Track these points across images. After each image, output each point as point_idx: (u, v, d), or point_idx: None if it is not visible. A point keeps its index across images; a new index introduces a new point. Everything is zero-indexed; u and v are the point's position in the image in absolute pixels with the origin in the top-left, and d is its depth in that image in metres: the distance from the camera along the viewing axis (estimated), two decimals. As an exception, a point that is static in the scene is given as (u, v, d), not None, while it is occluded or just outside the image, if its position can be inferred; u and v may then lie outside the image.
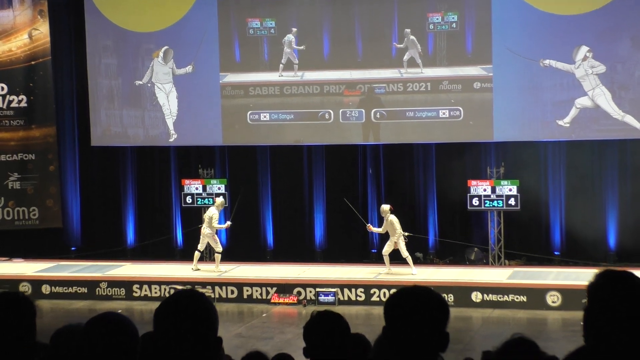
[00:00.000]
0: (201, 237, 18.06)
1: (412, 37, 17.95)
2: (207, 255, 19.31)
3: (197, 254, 18.07)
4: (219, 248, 17.91)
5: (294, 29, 18.38)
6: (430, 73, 18.03)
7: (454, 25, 17.87)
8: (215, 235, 17.93)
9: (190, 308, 2.75)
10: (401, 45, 17.99)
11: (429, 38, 18.02)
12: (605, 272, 2.72)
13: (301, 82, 18.31)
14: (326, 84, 18.19)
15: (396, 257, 17.29)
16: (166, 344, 2.72)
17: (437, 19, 17.87)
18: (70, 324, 3.53)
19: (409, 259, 17.10)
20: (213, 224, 17.73)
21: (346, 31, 17.96)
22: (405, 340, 2.72)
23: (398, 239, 16.92)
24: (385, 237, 17.48)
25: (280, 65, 18.60)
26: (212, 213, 17.77)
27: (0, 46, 19.90)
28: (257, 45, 18.41)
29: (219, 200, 18.05)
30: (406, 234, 17.05)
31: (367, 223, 17.93)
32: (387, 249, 17.14)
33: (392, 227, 16.94)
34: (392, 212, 17.06)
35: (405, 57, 18.08)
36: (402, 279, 16.70)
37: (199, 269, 18.01)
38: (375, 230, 17.54)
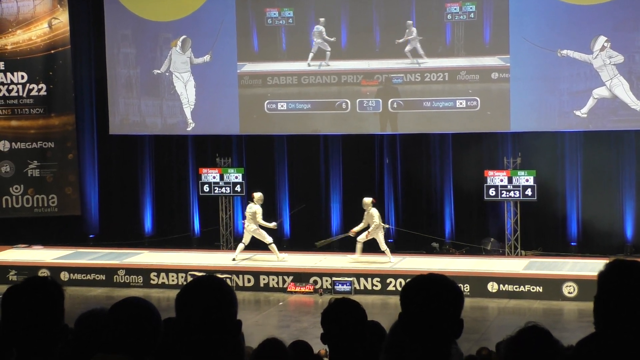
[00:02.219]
0: (245, 232, 18.05)
1: (413, 28, 17.92)
2: (225, 244, 19.42)
3: (240, 246, 18.00)
4: (268, 240, 17.81)
5: (322, 19, 18.39)
6: (448, 63, 18.04)
7: (472, 15, 17.85)
8: (260, 229, 17.80)
9: (210, 292, 2.83)
10: (400, 41, 17.95)
11: (446, 28, 18.02)
12: (615, 261, 2.78)
13: (319, 72, 18.33)
14: (344, 74, 18.19)
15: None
16: (187, 327, 2.79)
17: (455, 9, 17.85)
18: (95, 308, 3.61)
19: (388, 252, 17.35)
20: (258, 219, 17.67)
21: (364, 21, 17.95)
22: (421, 326, 2.78)
23: (377, 231, 17.03)
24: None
25: (310, 54, 18.56)
26: (255, 209, 17.72)
27: (20, 35, 20.04)
28: (275, 35, 18.39)
29: (258, 195, 17.89)
30: (386, 225, 17.22)
31: (348, 233, 17.90)
32: (362, 237, 17.25)
33: (371, 219, 17.05)
34: (373, 205, 17.15)
35: (408, 49, 18.07)
36: (418, 268, 16.74)
37: (234, 259, 17.93)
38: (356, 229, 17.52)
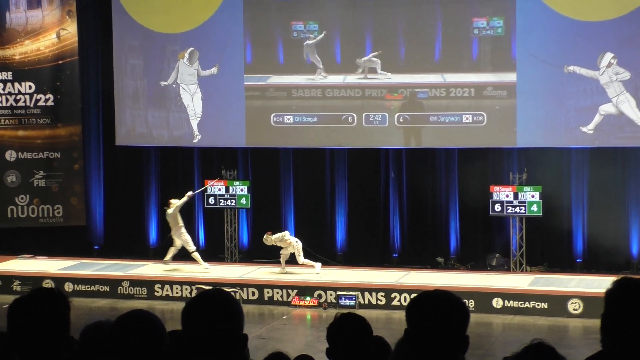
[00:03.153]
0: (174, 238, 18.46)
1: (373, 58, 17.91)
2: (230, 256, 19.44)
3: (173, 250, 18.55)
4: (192, 248, 18.44)
5: (311, 35, 18.43)
6: (474, 78, 17.90)
7: (499, 30, 17.78)
8: (186, 235, 18.32)
9: (217, 306, 2.82)
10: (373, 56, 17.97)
11: (473, 43, 17.95)
12: (623, 279, 2.78)
13: (342, 85, 18.19)
14: (367, 87, 18.09)
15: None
16: (194, 341, 2.79)
17: (482, 24, 17.80)
18: (100, 320, 3.61)
19: (308, 262, 17.79)
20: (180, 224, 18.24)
21: (389, 34, 17.84)
22: (427, 342, 2.78)
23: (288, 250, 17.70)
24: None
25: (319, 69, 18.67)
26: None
27: (28, 45, 20.11)
28: (300, 48, 18.31)
29: (174, 201, 18.40)
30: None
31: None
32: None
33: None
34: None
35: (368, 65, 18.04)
36: (423, 283, 16.71)
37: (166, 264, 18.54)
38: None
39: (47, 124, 20.25)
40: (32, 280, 17.92)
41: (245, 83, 18.92)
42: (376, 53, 17.83)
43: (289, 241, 17.73)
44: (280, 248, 17.92)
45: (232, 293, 3.40)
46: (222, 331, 2.79)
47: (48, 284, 17.75)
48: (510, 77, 17.85)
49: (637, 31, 17.39)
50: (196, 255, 18.31)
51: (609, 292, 2.76)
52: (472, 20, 17.82)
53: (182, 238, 18.29)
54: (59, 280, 17.86)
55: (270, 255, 18.70)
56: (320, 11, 17.86)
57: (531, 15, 17.75)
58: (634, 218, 18.09)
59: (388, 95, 17.96)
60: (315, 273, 17.68)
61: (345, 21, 17.92)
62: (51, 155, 20.32)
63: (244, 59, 19.19)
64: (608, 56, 17.50)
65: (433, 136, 18.65)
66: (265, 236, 17.84)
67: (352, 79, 17.84)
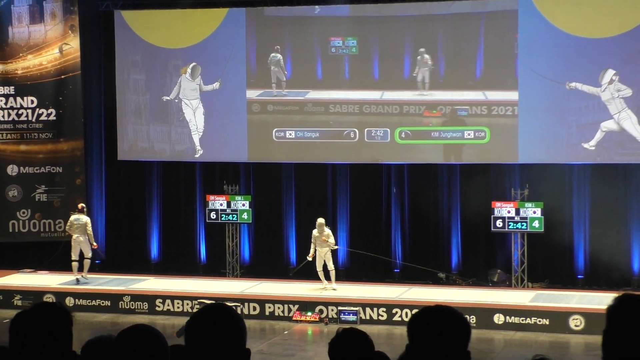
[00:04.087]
0: (75, 244, 18.48)
1: (426, 56, 17.93)
2: (232, 271, 19.43)
3: (75, 265, 18.57)
4: (89, 254, 18.60)
5: (277, 47, 18.57)
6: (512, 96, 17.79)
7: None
8: (87, 242, 18.46)
9: (220, 320, 2.83)
10: (415, 74, 17.98)
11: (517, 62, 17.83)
12: (624, 295, 2.78)
13: (380, 102, 18.12)
14: (406, 104, 17.98)
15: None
16: (198, 355, 2.79)
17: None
18: (102, 335, 3.61)
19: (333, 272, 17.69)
20: (89, 230, 18.42)
21: (428, 49, 17.72)
22: (428, 358, 2.78)
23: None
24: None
25: (273, 84, 18.83)
26: (85, 219, 18.49)
27: (31, 60, 20.16)
28: (338, 63, 18.14)
29: (82, 205, 18.70)
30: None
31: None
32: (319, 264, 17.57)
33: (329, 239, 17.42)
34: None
35: (419, 78, 18.09)
36: (424, 298, 16.68)
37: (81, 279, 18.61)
38: (312, 254, 17.74)
39: (49, 139, 20.28)
40: (33, 295, 17.91)
41: (302, 97, 18.64)
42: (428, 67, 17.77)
43: (331, 241, 17.50)
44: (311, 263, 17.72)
45: (235, 307, 3.39)
46: (225, 345, 2.80)
47: (49, 298, 17.74)
48: (513, 95, 17.89)
49: (638, 48, 17.43)
50: (88, 262, 18.61)
51: (610, 309, 2.77)
52: (516, 37, 17.73)
53: (87, 249, 18.50)
54: (60, 294, 17.84)
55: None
56: (359, 27, 17.76)
57: (533, 32, 17.80)
58: (636, 234, 18.07)
59: (427, 112, 17.82)
60: (322, 288, 17.57)
61: (384, 37, 17.78)
62: (53, 169, 20.33)
63: (247, 74, 19.26)
64: (610, 73, 17.53)
65: (435, 152, 18.67)
66: (320, 220, 17.54)
67: (389, 95, 17.65)
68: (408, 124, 18.27)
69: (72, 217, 18.55)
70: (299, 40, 18.20)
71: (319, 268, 17.65)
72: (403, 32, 17.90)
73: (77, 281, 18.54)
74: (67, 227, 18.67)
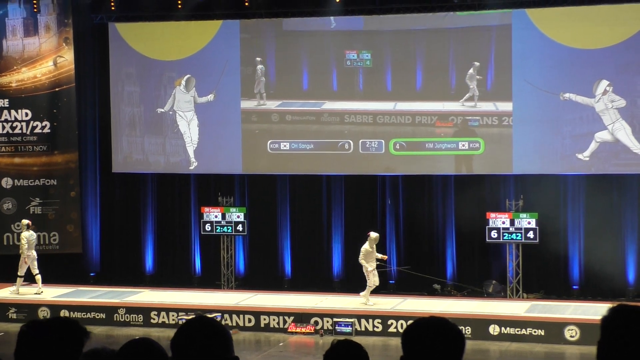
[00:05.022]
0: (24, 261, 18.39)
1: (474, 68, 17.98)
2: (227, 283, 19.38)
3: (32, 279, 18.56)
4: (37, 270, 18.36)
5: (259, 59, 18.72)
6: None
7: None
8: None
9: (205, 332, 2.84)
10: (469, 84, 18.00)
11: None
12: (619, 306, 2.77)
13: (393, 112, 18.19)
14: (418, 114, 18.07)
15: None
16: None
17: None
18: (96, 347, 3.60)
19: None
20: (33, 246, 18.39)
21: (439, 61, 17.86)
22: (423, 369, 2.78)
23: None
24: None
25: (258, 94, 18.95)
26: (35, 236, 18.42)
27: (25, 73, 20.16)
28: (353, 76, 18.26)
29: (26, 221, 18.56)
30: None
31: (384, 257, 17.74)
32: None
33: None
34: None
35: (471, 91, 18.04)
36: (419, 309, 16.67)
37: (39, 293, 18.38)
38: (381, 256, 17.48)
39: (43, 151, 20.26)
40: (28, 308, 17.87)
41: (318, 108, 18.61)
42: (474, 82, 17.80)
43: (375, 255, 17.17)
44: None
45: (215, 318, 3.39)
46: (213, 357, 2.80)
47: (44, 311, 17.70)
48: (507, 106, 17.99)
49: (632, 59, 17.49)
50: (39, 277, 18.55)
51: (605, 319, 2.76)
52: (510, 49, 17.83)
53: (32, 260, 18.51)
54: (55, 307, 17.80)
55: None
56: (373, 41, 17.91)
57: (527, 42, 17.86)
58: (630, 245, 18.09)
59: (439, 122, 17.93)
60: (363, 303, 17.24)
61: (396, 50, 17.90)
62: (47, 182, 20.31)
63: (241, 86, 19.29)
64: (604, 84, 17.58)
65: (429, 163, 18.69)
66: (376, 235, 17.19)
67: (403, 106, 17.80)
68: (420, 133, 18.19)
69: (27, 234, 18.55)
70: (315, 54, 18.31)
71: (369, 283, 17.18)
72: (414, 46, 18.02)
73: (38, 294, 18.54)
74: (24, 245, 18.48)
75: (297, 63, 18.64)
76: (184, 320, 3.27)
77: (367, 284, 17.16)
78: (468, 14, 18.10)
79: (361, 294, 17.34)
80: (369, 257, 17.07)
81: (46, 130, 20.21)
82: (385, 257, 17.49)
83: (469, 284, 18.81)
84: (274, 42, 18.93)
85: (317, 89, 18.50)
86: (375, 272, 17.14)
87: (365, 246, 17.13)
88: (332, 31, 18.16)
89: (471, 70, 17.92)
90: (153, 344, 3.04)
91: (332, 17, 18.17)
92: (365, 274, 17.15)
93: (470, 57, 18.00)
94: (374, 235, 17.17)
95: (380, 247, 19.33)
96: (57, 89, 20.17)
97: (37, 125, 20.16)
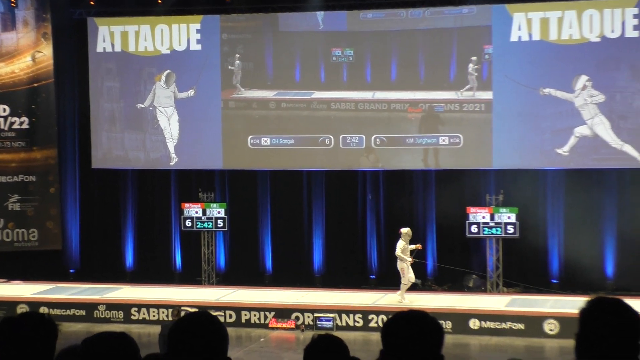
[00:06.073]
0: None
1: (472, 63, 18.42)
2: (207, 279, 19.37)
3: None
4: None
5: (238, 55, 19.16)
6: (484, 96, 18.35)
7: (486, 56, 18.19)
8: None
9: (204, 328, 2.83)
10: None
11: (484, 66, 18.21)
12: (596, 298, 2.79)
13: (372, 100, 18.97)
14: (392, 102, 18.85)
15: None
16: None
17: (492, 50, 18.12)
18: (74, 344, 3.58)
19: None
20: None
21: (411, 58, 18.75)
22: (402, 363, 2.78)
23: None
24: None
25: (236, 84, 19.27)
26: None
27: (3, 68, 20.02)
28: (338, 69, 19.09)
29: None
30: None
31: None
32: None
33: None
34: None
35: (470, 83, 18.45)
36: (400, 304, 16.70)
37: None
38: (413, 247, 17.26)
39: (22, 147, 20.13)
40: (7, 305, 17.75)
41: (308, 97, 19.28)
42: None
43: (409, 248, 16.93)
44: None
45: (219, 317, 3.37)
46: (207, 353, 2.80)
47: (23, 308, 17.60)
48: (488, 95, 18.18)
49: (611, 54, 17.59)
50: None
51: (583, 312, 2.77)
52: (484, 47, 18.25)
53: None
54: (34, 304, 17.69)
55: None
56: (354, 39, 18.89)
57: (506, 38, 17.94)
58: (609, 239, 18.21)
59: (410, 109, 18.66)
60: (398, 302, 16.90)
61: (375, 48, 18.90)
62: (26, 178, 20.18)
63: (221, 81, 19.27)
64: (583, 79, 17.68)
65: (410, 158, 18.76)
66: (409, 230, 16.97)
67: (380, 95, 18.95)
68: (395, 119, 18.79)
69: None
70: (306, 51, 19.16)
71: (404, 280, 16.89)
72: (390, 44, 18.92)
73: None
74: None
75: (291, 59, 19.24)
76: (186, 312, 3.26)
77: (402, 281, 16.89)
78: (449, 9, 18.42)
79: (397, 292, 17.07)
80: (404, 253, 16.91)
81: (25, 126, 20.08)
82: (420, 246, 17.25)
83: (449, 279, 18.87)
84: (272, 41, 19.33)
85: (307, 80, 19.21)
86: (411, 269, 16.97)
87: (401, 242, 16.91)
88: (321, 32, 19.01)
89: (470, 65, 18.32)
90: (118, 336, 3.02)
91: (320, 19, 19.05)
92: (400, 271, 16.93)
93: (437, 55, 18.55)
94: (405, 230, 17.07)
95: (361, 241, 19.38)
96: (35, 85, 20.05)
97: (15, 121, 20.03)
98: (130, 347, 2.99)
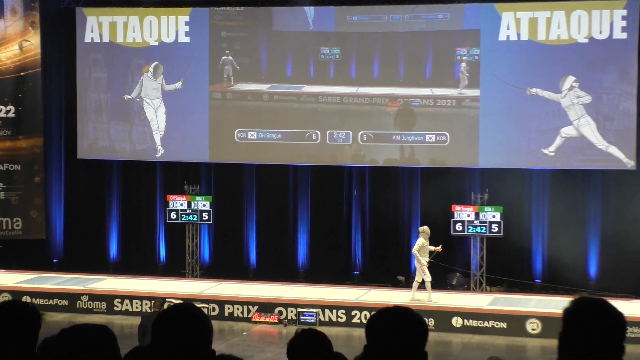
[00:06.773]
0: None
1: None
2: (191, 272, 19.34)
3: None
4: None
5: (228, 51, 19.39)
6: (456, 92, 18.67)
7: (476, 57, 18.23)
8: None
9: (188, 320, 2.83)
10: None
11: (456, 67, 18.46)
12: (580, 298, 2.80)
13: (356, 94, 19.39)
14: (374, 97, 19.27)
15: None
16: (163, 354, 2.78)
17: (464, 52, 18.36)
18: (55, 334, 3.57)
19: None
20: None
21: (391, 57, 19.16)
22: (386, 358, 2.79)
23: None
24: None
25: (224, 78, 19.42)
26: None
27: (-10, 56, 19.91)
28: (326, 66, 19.46)
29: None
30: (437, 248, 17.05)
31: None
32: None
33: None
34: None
35: (462, 80, 18.61)
36: (383, 301, 16.72)
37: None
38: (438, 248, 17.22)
39: (7, 136, 20.05)
40: (-11, 294, 17.69)
41: (298, 90, 19.54)
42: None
43: (429, 248, 16.88)
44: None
45: (203, 309, 3.36)
46: (191, 345, 2.80)
47: (5, 297, 17.54)
48: (475, 93, 18.31)
49: (599, 56, 17.66)
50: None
51: (566, 312, 2.78)
52: (456, 49, 18.52)
53: None
54: (17, 293, 17.64)
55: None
56: (341, 39, 19.38)
57: (495, 37, 17.98)
58: (593, 239, 18.29)
59: (390, 103, 19.06)
60: (411, 299, 16.76)
61: (359, 47, 19.35)
62: (11, 167, 20.09)
63: (209, 73, 19.26)
64: (570, 79, 17.74)
65: (396, 155, 18.80)
66: (427, 228, 16.94)
67: (363, 90, 19.47)
68: (376, 113, 19.08)
69: None
70: (297, 48, 19.48)
71: (426, 278, 16.74)
72: (373, 44, 19.31)
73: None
74: None
75: (284, 55, 19.47)
76: (171, 304, 3.24)
77: (425, 279, 16.79)
78: (439, 5, 18.54)
79: (425, 293, 16.94)
80: (422, 252, 16.84)
81: (11, 114, 19.99)
82: (440, 248, 17.15)
83: (433, 276, 18.88)
84: (266, 39, 19.57)
85: (298, 75, 19.49)
86: (426, 268, 16.86)
87: (420, 239, 16.83)
88: (311, 32, 19.40)
89: (463, 64, 18.58)
90: (93, 328, 3.01)
91: (310, 20, 19.44)
92: (419, 269, 16.85)
93: (415, 55, 18.96)
94: (423, 228, 17.03)
95: (346, 237, 19.39)
96: (22, 73, 19.95)
97: (1, 110, 19.94)
98: (107, 341, 2.98)
